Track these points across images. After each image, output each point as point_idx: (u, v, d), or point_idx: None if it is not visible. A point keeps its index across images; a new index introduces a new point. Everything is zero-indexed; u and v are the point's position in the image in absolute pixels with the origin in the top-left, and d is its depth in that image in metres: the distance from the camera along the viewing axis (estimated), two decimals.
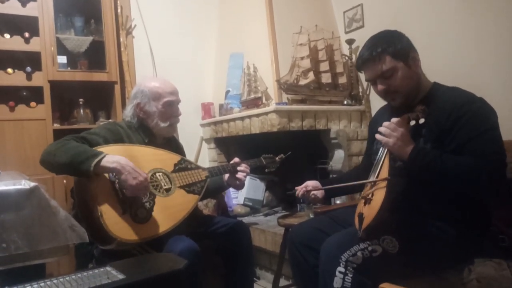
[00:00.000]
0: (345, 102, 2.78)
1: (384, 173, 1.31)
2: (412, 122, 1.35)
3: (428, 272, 1.31)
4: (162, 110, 1.75)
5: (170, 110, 1.77)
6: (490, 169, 1.23)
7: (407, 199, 1.35)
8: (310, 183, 1.66)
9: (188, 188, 1.67)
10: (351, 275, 1.21)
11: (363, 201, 1.32)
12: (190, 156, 3.13)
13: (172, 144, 1.89)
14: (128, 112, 1.80)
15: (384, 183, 1.26)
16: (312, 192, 1.64)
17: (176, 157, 1.73)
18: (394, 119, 1.35)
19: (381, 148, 1.40)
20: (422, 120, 1.34)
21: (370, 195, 1.30)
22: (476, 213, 1.34)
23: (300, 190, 1.65)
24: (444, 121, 1.33)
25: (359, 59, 1.45)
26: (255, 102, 2.64)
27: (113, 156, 1.45)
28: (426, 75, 1.49)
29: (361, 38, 2.75)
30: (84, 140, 1.55)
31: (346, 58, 2.86)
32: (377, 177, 1.34)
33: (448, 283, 1.32)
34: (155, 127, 1.76)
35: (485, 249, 1.37)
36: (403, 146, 1.31)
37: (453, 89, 1.42)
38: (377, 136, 1.36)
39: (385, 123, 1.35)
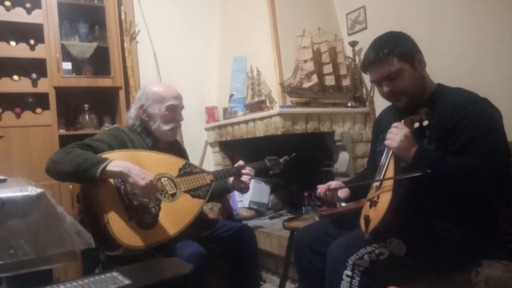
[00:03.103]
0: (349, 104, 2.77)
1: (389, 175, 1.31)
2: (416, 124, 1.35)
3: (435, 275, 1.31)
4: (165, 113, 1.76)
5: (173, 114, 1.78)
6: (493, 169, 1.22)
7: (413, 201, 1.34)
8: (333, 183, 1.58)
9: (193, 192, 1.67)
10: (358, 279, 1.21)
11: (369, 203, 1.31)
12: (194, 160, 3.15)
13: (175, 148, 1.90)
14: (131, 114, 1.81)
15: (390, 185, 1.26)
16: (335, 189, 1.54)
17: (180, 162, 1.73)
18: (397, 123, 1.35)
19: (385, 150, 1.40)
20: (425, 122, 1.34)
21: (376, 198, 1.29)
22: (483, 215, 1.33)
23: (321, 188, 1.56)
24: (447, 122, 1.32)
25: (365, 61, 1.45)
26: (259, 106, 2.64)
27: (118, 161, 1.46)
28: (429, 76, 1.48)
29: (364, 40, 2.76)
30: (88, 147, 1.55)
31: (350, 60, 2.86)
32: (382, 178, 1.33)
33: (455, 285, 1.31)
34: (156, 130, 1.77)
35: (492, 251, 1.36)
36: (406, 148, 1.31)
37: (456, 90, 1.42)
38: (386, 142, 1.37)
39: (394, 124, 1.35)
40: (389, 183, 1.28)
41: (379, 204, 1.27)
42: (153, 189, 1.46)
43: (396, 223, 1.24)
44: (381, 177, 1.34)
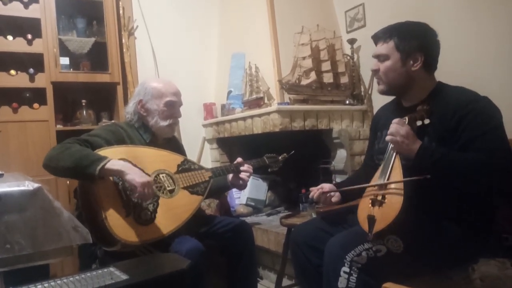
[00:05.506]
0: (347, 102, 2.77)
1: (397, 174, 1.29)
2: (419, 123, 1.34)
3: (432, 272, 1.31)
4: (163, 109, 1.75)
5: (171, 111, 1.77)
6: (495, 168, 1.22)
7: (413, 199, 1.34)
8: (326, 186, 1.58)
9: (192, 189, 1.67)
10: (356, 275, 1.21)
11: (370, 201, 1.28)
12: (192, 156, 3.14)
13: (172, 144, 1.89)
14: (129, 109, 1.80)
15: (400, 186, 1.24)
16: (329, 194, 1.55)
17: (179, 158, 1.73)
18: (397, 120, 1.34)
19: (388, 148, 1.38)
20: (427, 121, 1.34)
21: (380, 197, 1.27)
22: (480, 212, 1.33)
23: (315, 191, 1.57)
24: (448, 120, 1.32)
25: (375, 33, 1.50)
26: (257, 102, 2.64)
27: (118, 161, 1.46)
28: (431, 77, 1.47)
29: (363, 37, 2.76)
30: (86, 142, 1.55)
31: (348, 57, 2.86)
32: (388, 178, 1.30)
33: (452, 282, 1.32)
34: (154, 126, 1.76)
35: (489, 248, 1.37)
36: (409, 144, 1.29)
37: (457, 88, 1.41)
38: (387, 138, 1.35)
39: (395, 120, 1.34)
40: (396, 184, 1.26)
41: (386, 205, 1.24)
42: (150, 189, 1.45)
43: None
44: (386, 176, 1.31)
